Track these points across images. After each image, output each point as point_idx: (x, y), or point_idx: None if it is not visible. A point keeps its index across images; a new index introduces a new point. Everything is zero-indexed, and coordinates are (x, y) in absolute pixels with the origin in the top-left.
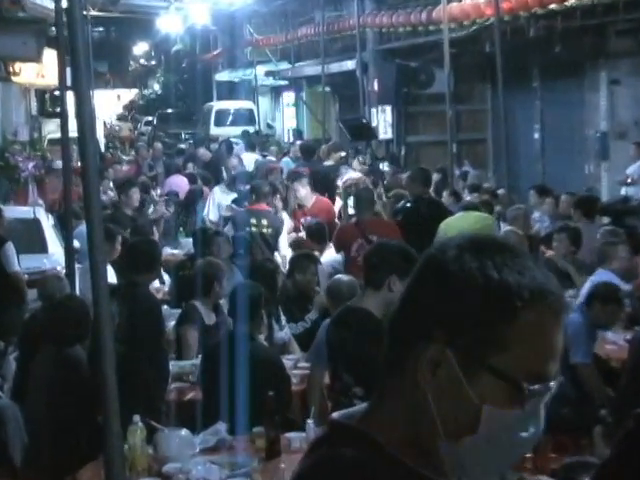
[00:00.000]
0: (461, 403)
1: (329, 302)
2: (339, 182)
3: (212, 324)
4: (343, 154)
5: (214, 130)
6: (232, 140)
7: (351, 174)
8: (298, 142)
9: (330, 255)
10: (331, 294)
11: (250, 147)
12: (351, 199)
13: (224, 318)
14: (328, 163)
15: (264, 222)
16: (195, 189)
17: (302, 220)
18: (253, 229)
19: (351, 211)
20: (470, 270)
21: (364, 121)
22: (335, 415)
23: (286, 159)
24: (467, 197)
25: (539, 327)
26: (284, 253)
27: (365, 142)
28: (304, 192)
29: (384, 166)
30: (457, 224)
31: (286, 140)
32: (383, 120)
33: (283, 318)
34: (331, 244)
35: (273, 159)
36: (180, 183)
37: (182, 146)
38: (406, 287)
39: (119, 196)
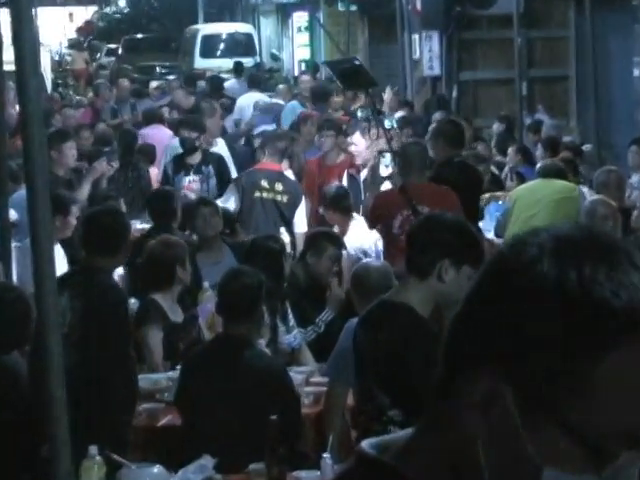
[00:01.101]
0: (515, 458)
1: (355, 296)
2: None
3: (180, 322)
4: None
5: (200, 62)
6: (224, 77)
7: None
8: (304, 77)
9: (358, 235)
10: (357, 285)
11: (252, 84)
12: (385, 160)
13: (195, 312)
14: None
15: (279, 187)
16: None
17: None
18: (264, 194)
19: (387, 171)
20: (547, 282)
21: (357, 63)
22: (364, 444)
23: (293, 102)
24: (539, 155)
25: (638, 368)
26: (300, 230)
27: (364, 92)
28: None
29: (392, 122)
30: (528, 197)
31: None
32: (428, 51)
33: (291, 317)
34: (358, 217)
35: (281, 102)
36: (160, 136)
37: (154, 84)
38: (466, 292)
39: (49, 152)
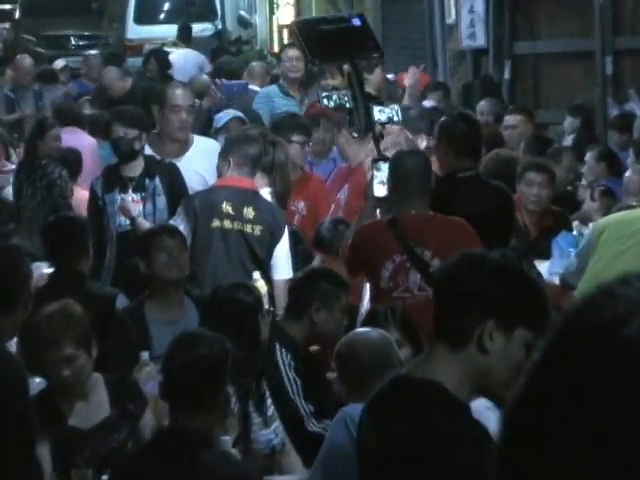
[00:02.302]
0: None
1: (341, 381)
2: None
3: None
4: None
5: (135, 31)
6: (168, 50)
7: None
8: (292, 51)
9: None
10: (342, 367)
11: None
12: (382, 173)
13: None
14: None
15: (249, 213)
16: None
17: (292, 207)
18: (227, 224)
19: (383, 191)
20: (636, 351)
21: (355, 22)
22: None
23: (273, 87)
24: (631, 164)
25: None
26: (282, 276)
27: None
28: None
29: (393, 113)
30: (620, 226)
31: (277, 51)
32: (468, 12)
33: (270, 403)
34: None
35: (256, 88)
36: (80, 145)
37: (60, 62)
38: (528, 366)
39: None
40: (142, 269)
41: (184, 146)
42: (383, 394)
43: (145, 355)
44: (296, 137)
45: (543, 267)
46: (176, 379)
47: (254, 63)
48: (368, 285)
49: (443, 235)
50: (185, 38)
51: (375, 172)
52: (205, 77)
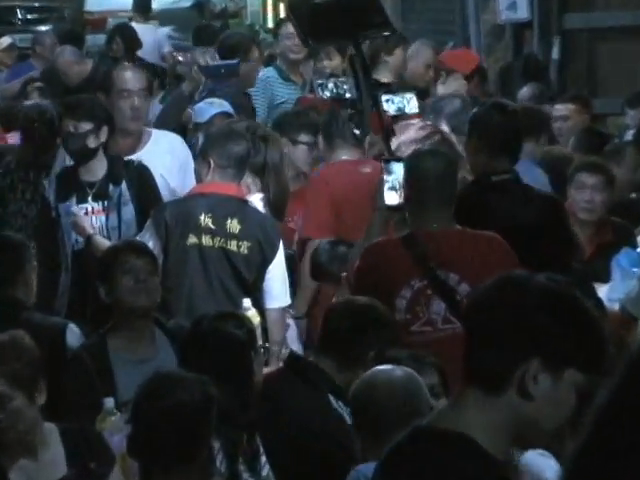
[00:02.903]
0: None
1: (357, 431)
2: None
3: None
4: None
5: (94, 2)
6: (134, 25)
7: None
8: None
9: None
10: (359, 412)
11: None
12: (394, 177)
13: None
14: None
15: (234, 227)
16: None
17: (291, 223)
18: (206, 240)
19: (395, 198)
20: None
21: None
22: None
23: (270, 71)
24: None
25: None
26: (277, 304)
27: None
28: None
29: (404, 103)
30: None
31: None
32: None
33: (264, 459)
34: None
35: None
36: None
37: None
38: (592, 415)
39: None
40: (103, 296)
41: (137, 141)
42: (399, 449)
43: (109, 402)
44: (303, 137)
45: (601, 292)
46: (148, 431)
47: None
48: None
49: (473, 254)
50: (143, 10)
51: (386, 176)
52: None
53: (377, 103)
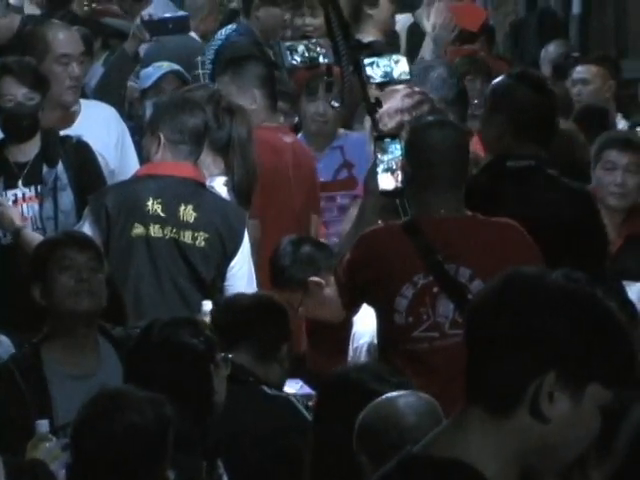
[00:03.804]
0: None
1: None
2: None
3: None
4: None
5: None
6: None
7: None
8: None
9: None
10: (367, 440)
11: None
12: (389, 157)
13: None
14: None
15: (188, 215)
16: None
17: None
18: (154, 231)
19: (390, 182)
20: None
21: None
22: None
23: (231, 31)
24: None
25: None
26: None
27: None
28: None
29: (392, 64)
30: None
31: None
32: None
33: None
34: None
35: (196, 38)
36: None
37: None
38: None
39: None
40: (37, 298)
41: (71, 113)
42: (389, 477)
43: (43, 425)
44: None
45: (632, 292)
46: (90, 461)
47: None
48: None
49: (487, 245)
50: None
51: (379, 155)
52: None
53: (359, 68)
